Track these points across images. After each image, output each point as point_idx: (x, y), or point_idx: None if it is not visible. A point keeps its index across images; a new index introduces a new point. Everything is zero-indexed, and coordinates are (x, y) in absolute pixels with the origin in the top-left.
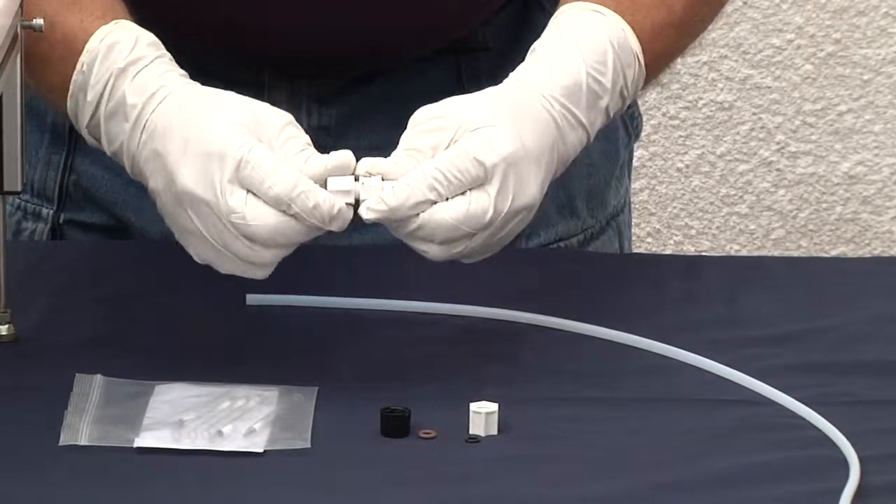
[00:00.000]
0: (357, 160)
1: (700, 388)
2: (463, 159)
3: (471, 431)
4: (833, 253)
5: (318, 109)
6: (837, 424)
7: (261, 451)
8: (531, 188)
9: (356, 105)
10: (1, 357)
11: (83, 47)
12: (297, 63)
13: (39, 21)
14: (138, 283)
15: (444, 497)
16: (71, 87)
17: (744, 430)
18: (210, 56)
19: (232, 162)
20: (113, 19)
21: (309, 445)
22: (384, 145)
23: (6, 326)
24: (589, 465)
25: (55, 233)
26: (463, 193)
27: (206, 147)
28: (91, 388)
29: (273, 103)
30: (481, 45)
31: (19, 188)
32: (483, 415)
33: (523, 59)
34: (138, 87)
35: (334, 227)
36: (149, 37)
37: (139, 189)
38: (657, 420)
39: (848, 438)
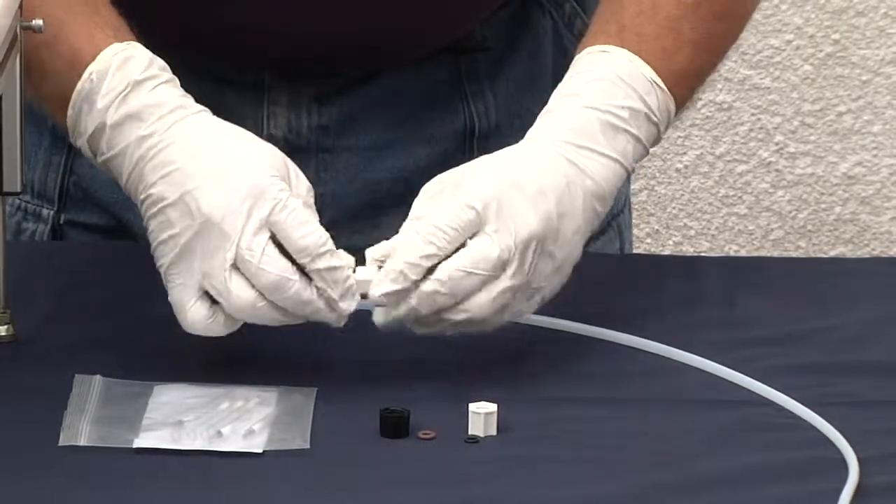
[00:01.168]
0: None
1: (700, 389)
2: (452, 207)
3: (470, 432)
4: (832, 253)
5: (319, 109)
6: (837, 425)
7: (260, 451)
8: (529, 218)
9: (356, 105)
10: (0, 357)
11: (90, 60)
12: (298, 64)
13: (39, 22)
14: (138, 284)
15: (444, 497)
16: (74, 97)
17: (744, 430)
18: (210, 57)
19: (269, 202)
20: (124, 39)
21: (308, 446)
22: (384, 145)
23: (6, 327)
24: (588, 465)
25: (55, 233)
26: (464, 244)
27: (241, 181)
28: (90, 389)
29: (273, 103)
30: (480, 44)
31: (19, 189)
32: (482, 415)
33: (522, 58)
34: (158, 97)
35: (342, 306)
36: (160, 61)
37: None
38: (657, 420)
39: (847, 439)
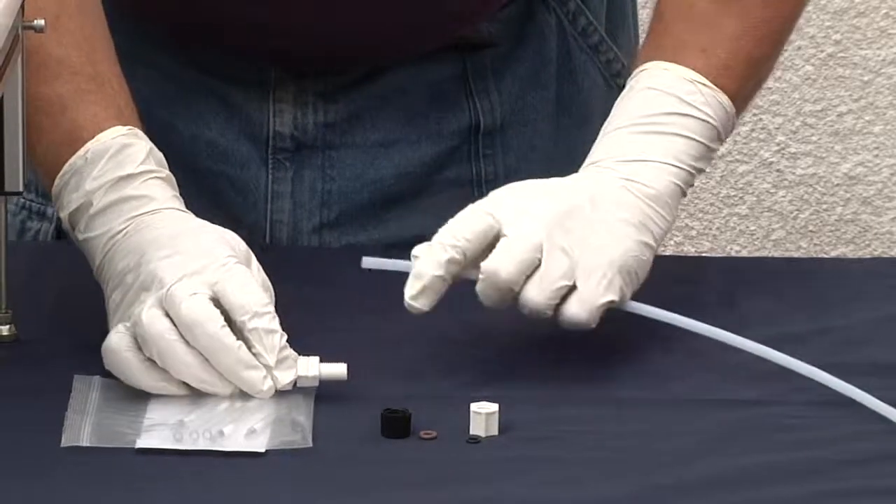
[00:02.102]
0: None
1: (700, 390)
2: (469, 212)
3: (471, 432)
4: (833, 254)
5: (325, 107)
6: (839, 426)
7: (262, 451)
8: (547, 204)
9: (362, 102)
10: (2, 358)
11: (89, 138)
12: (304, 61)
13: (40, 22)
14: None
15: (445, 498)
16: (65, 168)
17: (744, 430)
18: (216, 55)
19: (215, 266)
20: (127, 122)
21: (310, 445)
22: (390, 142)
23: (7, 327)
24: (589, 466)
25: (60, 232)
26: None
27: (196, 251)
28: (90, 390)
29: (279, 101)
30: (486, 41)
31: (20, 189)
32: (483, 415)
33: (527, 55)
34: (147, 191)
35: (277, 375)
36: (158, 154)
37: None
38: (657, 420)
39: (849, 439)
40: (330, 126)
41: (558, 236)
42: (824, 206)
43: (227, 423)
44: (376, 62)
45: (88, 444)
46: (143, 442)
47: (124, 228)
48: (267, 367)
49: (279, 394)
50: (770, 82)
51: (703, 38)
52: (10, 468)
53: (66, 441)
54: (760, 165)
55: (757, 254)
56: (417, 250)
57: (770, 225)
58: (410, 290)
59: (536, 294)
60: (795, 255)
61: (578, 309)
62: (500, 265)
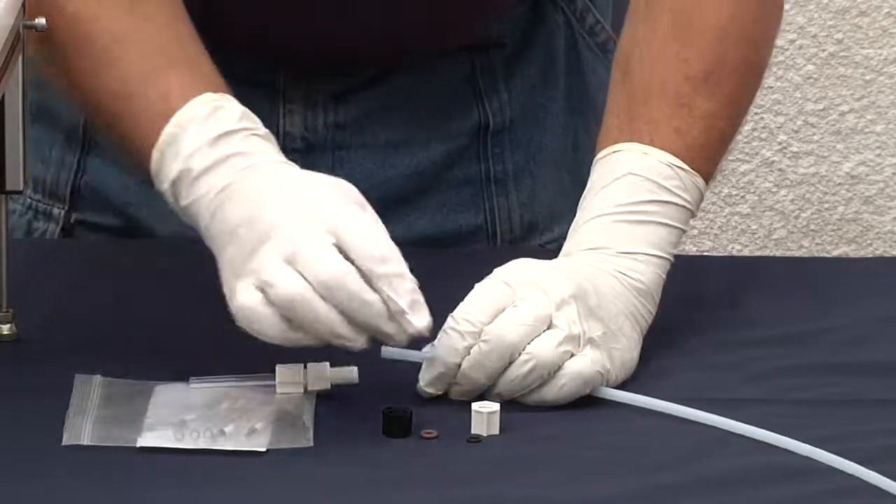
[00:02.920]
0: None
1: (699, 390)
2: (487, 289)
3: (473, 431)
4: (835, 253)
5: (335, 108)
6: (840, 426)
7: (263, 450)
8: (561, 283)
9: (372, 103)
10: (2, 357)
11: (180, 106)
12: (316, 64)
13: (42, 21)
14: (139, 283)
15: (446, 497)
16: (160, 140)
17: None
18: (226, 56)
19: (337, 213)
20: (217, 91)
21: (311, 445)
22: (401, 142)
23: (8, 326)
24: (589, 466)
25: (66, 233)
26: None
27: (304, 200)
28: (91, 389)
29: (289, 102)
30: (495, 41)
31: (21, 188)
32: (485, 414)
33: (536, 55)
34: (247, 146)
35: (411, 319)
36: (253, 115)
37: (152, 190)
38: (657, 421)
39: (848, 439)
40: (340, 127)
41: (569, 311)
42: (826, 206)
43: (228, 423)
44: (389, 65)
45: (89, 443)
46: (144, 441)
47: (229, 184)
48: (398, 312)
49: (280, 393)
50: (771, 81)
51: (677, 118)
52: (11, 467)
53: (67, 440)
54: (762, 164)
55: (758, 253)
56: (436, 343)
57: (772, 224)
58: (426, 376)
59: (544, 348)
60: (797, 254)
61: (583, 365)
62: (505, 329)
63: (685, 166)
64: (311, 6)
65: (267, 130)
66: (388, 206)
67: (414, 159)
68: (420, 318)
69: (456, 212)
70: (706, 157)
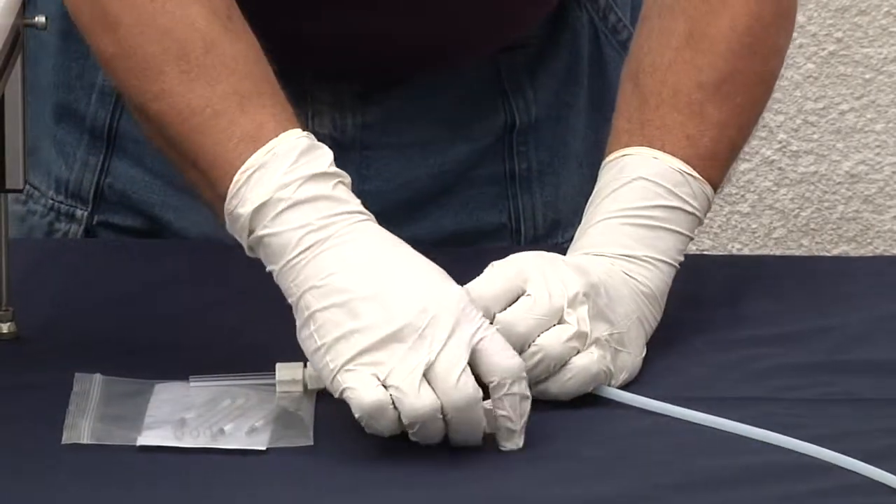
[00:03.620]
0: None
1: (700, 388)
2: (502, 265)
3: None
4: (835, 252)
5: (363, 108)
6: (839, 424)
7: (263, 448)
8: (572, 278)
9: (398, 103)
10: (2, 355)
11: (273, 135)
12: (344, 69)
13: (41, 19)
14: (139, 282)
15: (446, 496)
16: (248, 163)
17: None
18: None
19: (473, 323)
20: (298, 127)
21: (311, 443)
22: (427, 141)
23: (8, 325)
24: (589, 464)
25: (89, 235)
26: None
27: (442, 295)
28: (91, 388)
29: (316, 102)
30: (519, 41)
31: (21, 186)
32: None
33: (560, 53)
34: (339, 194)
35: (518, 440)
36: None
37: (179, 190)
38: (657, 420)
39: (849, 438)
40: (367, 127)
41: (581, 305)
42: (826, 205)
43: (228, 421)
44: (414, 71)
45: (89, 442)
46: (144, 440)
47: (324, 226)
48: (510, 430)
49: (281, 392)
50: None
51: (689, 125)
52: (11, 466)
53: (66, 439)
54: (762, 163)
55: (758, 252)
56: None
57: (771, 223)
58: None
59: (554, 341)
60: (797, 253)
61: (589, 361)
62: (517, 318)
63: (695, 173)
64: (343, 12)
65: (349, 179)
66: (413, 204)
67: (440, 158)
68: (519, 441)
69: (480, 210)
70: (716, 166)
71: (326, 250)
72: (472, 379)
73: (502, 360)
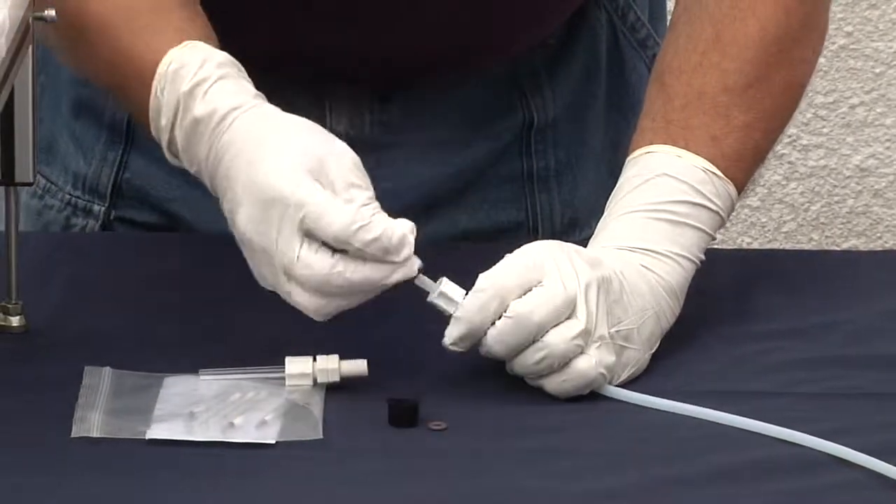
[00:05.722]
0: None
1: (702, 383)
2: (519, 253)
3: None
4: (844, 246)
5: (381, 107)
6: (847, 419)
7: (273, 442)
8: (586, 268)
9: (416, 102)
10: (13, 348)
11: (155, 72)
12: (365, 75)
13: (51, 12)
14: (148, 275)
15: (452, 489)
16: (150, 113)
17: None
18: (269, 57)
19: (291, 208)
20: (185, 40)
21: (321, 437)
22: (445, 140)
23: (18, 318)
24: (592, 458)
25: (106, 230)
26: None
27: (261, 194)
28: (100, 381)
29: (334, 101)
30: (540, 41)
31: (31, 180)
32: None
33: (579, 52)
34: (207, 106)
35: (402, 255)
36: (218, 56)
37: (197, 187)
38: (661, 415)
39: (859, 431)
40: (385, 125)
41: (592, 297)
42: (836, 199)
43: (237, 415)
44: (433, 77)
45: (99, 435)
46: (153, 433)
47: (208, 158)
48: (391, 262)
49: (290, 386)
50: None
51: (714, 126)
52: (21, 459)
53: (76, 432)
54: (772, 157)
55: (768, 246)
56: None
57: (781, 217)
58: (452, 332)
59: (559, 339)
60: (806, 247)
61: (588, 366)
62: (532, 308)
63: (719, 173)
64: (356, 20)
65: (222, 60)
66: (431, 203)
67: (458, 157)
68: (407, 253)
69: (498, 208)
70: (740, 167)
71: (216, 165)
72: (318, 259)
73: (326, 228)
